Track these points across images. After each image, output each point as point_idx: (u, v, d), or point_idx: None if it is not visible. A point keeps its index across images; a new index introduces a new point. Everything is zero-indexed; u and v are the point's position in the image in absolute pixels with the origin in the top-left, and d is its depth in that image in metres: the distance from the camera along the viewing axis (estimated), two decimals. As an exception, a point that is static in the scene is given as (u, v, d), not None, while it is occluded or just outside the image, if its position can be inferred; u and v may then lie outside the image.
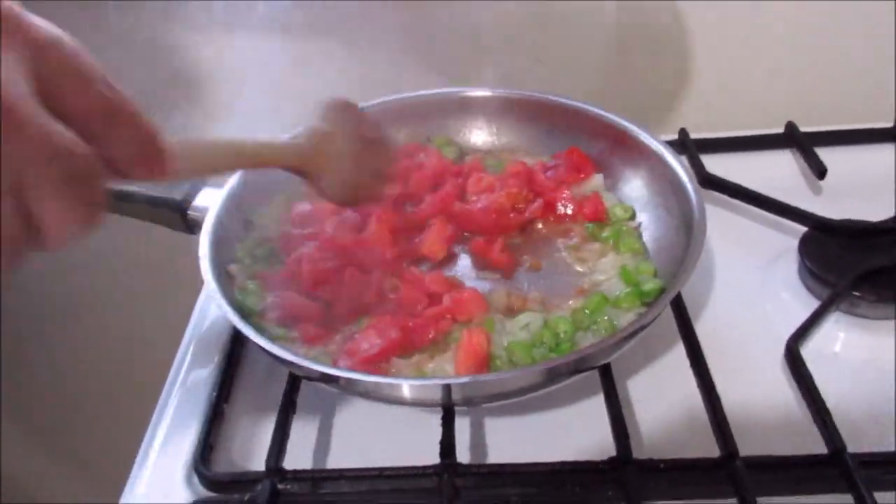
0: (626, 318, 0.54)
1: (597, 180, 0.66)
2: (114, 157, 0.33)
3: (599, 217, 0.64)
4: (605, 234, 0.63)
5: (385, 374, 0.52)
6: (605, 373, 0.52)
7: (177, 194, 0.58)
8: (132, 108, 0.34)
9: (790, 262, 0.64)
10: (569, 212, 0.65)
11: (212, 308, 0.64)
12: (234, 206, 0.60)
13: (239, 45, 0.85)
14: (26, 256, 0.32)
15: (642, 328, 0.50)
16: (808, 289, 0.62)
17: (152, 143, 0.35)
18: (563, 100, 0.70)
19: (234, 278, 0.58)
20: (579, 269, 0.61)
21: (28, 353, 1.07)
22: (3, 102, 0.27)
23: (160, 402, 0.58)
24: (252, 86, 0.88)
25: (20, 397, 1.06)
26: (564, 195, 0.65)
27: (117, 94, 0.33)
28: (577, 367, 0.50)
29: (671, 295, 0.51)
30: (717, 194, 0.69)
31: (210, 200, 0.59)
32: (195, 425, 0.54)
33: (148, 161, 0.35)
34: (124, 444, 0.57)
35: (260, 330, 0.52)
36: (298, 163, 0.52)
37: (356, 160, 0.54)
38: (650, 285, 0.56)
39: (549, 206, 0.65)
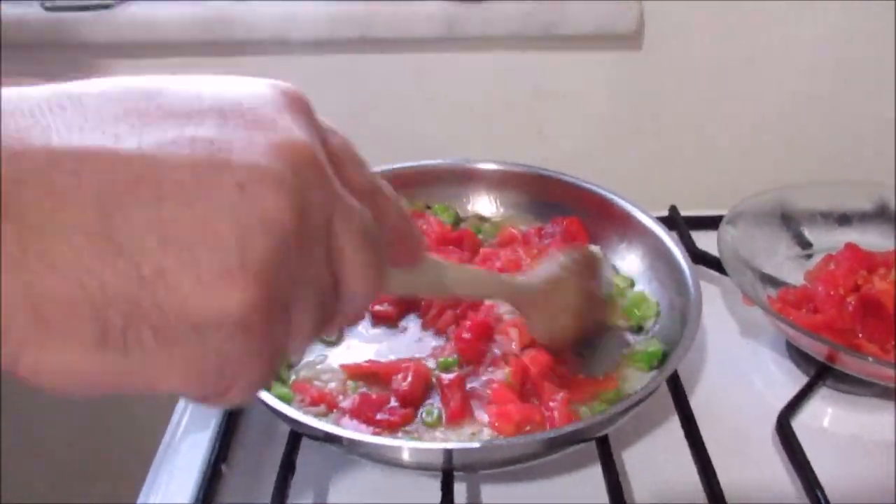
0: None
1: (592, 250, 0.68)
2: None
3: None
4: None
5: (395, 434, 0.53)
6: (603, 444, 0.53)
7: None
8: (392, 193, 0.34)
9: (778, 336, 0.66)
10: None
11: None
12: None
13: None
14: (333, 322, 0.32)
15: (640, 402, 0.52)
16: (795, 363, 0.65)
17: (411, 228, 0.35)
18: (560, 175, 0.73)
19: None
20: None
21: (14, 402, 1.05)
22: (311, 153, 0.27)
23: (156, 460, 0.57)
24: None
25: (3, 451, 1.04)
26: None
27: (380, 181, 0.33)
28: (575, 438, 0.51)
29: (670, 370, 0.53)
30: (705, 268, 0.71)
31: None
32: (192, 486, 0.54)
33: (408, 245, 0.35)
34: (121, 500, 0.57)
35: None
36: (524, 304, 0.55)
37: (576, 314, 0.57)
38: (653, 348, 0.58)
39: None
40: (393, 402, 0.55)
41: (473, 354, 0.58)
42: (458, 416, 0.54)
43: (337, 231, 0.29)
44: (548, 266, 0.57)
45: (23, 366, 0.23)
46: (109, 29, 0.82)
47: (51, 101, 0.24)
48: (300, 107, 0.29)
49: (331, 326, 0.32)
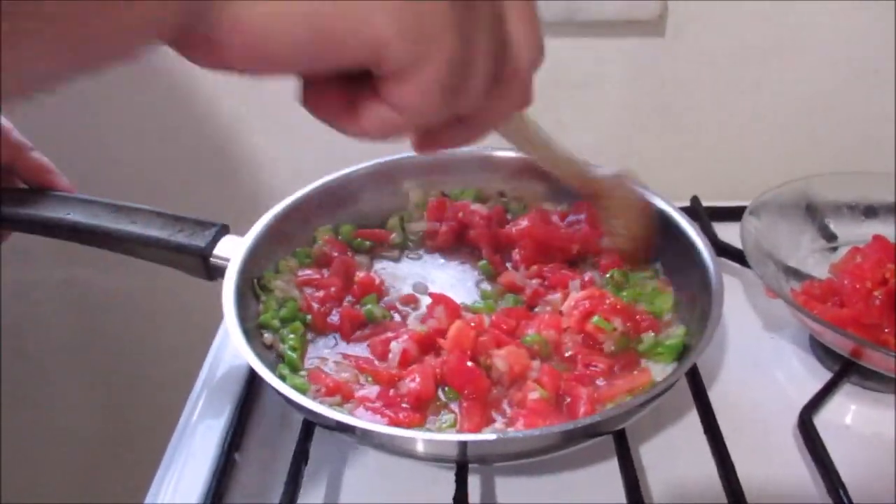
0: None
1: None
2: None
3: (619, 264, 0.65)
4: (624, 292, 0.62)
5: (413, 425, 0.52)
6: (620, 438, 0.52)
7: (199, 241, 0.59)
8: None
9: (801, 330, 0.65)
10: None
11: (225, 355, 0.65)
12: (253, 260, 0.61)
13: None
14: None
15: (658, 396, 0.51)
16: (818, 358, 0.63)
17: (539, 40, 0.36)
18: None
19: (272, 348, 0.59)
20: None
21: (33, 390, 1.06)
22: None
23: (169, 449, 0.57)
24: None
25: (22, 438, 1.05)
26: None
27: None
28: (592, 431, 0.50)
29: (689, 364, 0.52)
30: (727, 260, 0.70)
31: (231, 250, 0.59)
32: (205, 474, 0.54)
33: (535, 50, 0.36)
34: (133, 491, 0.57)
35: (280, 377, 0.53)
36: (603, 193, 0.61)
37: (641, 214, 0.63)
38: (673, 340, 0.57)
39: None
40: (405, 405, 0.54)
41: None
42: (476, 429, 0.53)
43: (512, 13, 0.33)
44: (608, 171, 0.62)
45: (225, 17, 0.25)
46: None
47: None
48: None
49: (497, 95, 0.34)
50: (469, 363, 0.55)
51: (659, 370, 0.56)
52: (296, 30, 0.26)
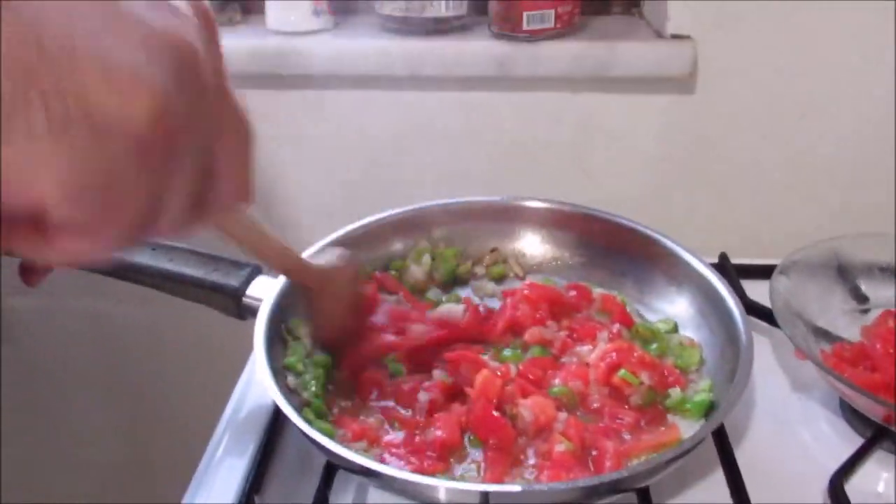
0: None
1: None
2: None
3: (626, 321, 0.64)
4: (652, 347, 0.62)
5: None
6: (644, 496, 0.51)
7: (234, 280, 0.60)
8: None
9: (830, 393, 0.64)
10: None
11: (250, 395, 0.65)
12: (285, 301, 0.61)
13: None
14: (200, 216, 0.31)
15: (684, 454, 0.50)
16: (848, 422, 0.62)
17: (248, 167, 0.35)
18: (608, 215, 0.72)
19: (294, 392, 0.58)
20: None
21: (55, 422, 1.07)
22: (208, 12, 0.30)
23: (191, 488, 0.57)
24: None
25: (45, 468, 1.05)
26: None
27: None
28: (616, 487, 0.49)
29: (716, 423, 0.51)
30: (755, 318, 0.69)
31: (264, 290, 0.60)
32: (225, 515, 0.54)
33: (246, 183, 0.34)
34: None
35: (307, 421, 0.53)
36: (314, 285, 0.58)
37: (350, 304, 0.61)
38: (700, 397, 0.57)
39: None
40: (430, 453, 0.54)
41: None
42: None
43: (225, 113, 0.30)
44: (329, 256, 0.61)
45: None
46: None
47: None
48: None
49: (196, 215, 0.31)
50: (495, 412, 0.55)
51: (686, 426, 0.55)
52: None
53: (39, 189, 0.23)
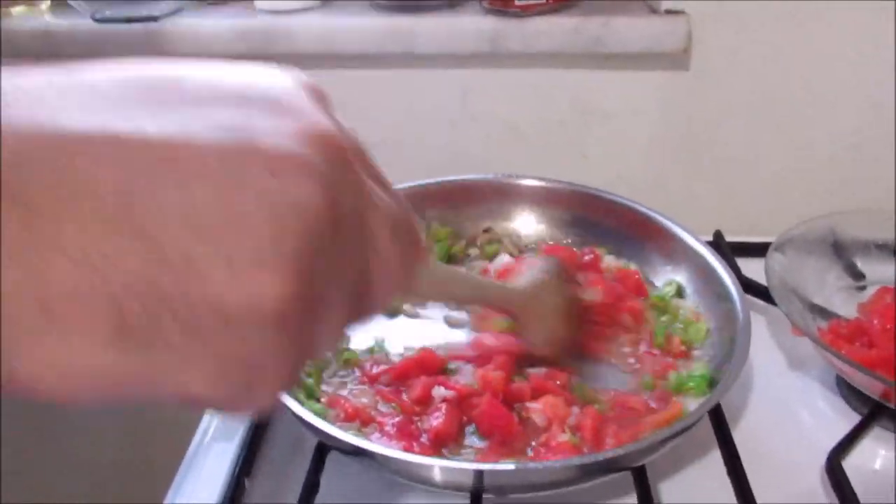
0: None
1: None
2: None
3: (642, 292, 0.65)
4: (663, 318, 0.63)
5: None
6: (640, 475, 0.51)
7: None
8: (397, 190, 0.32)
9: (827, 370, 0.63)
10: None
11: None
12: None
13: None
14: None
15: (679, 433, 0.49)
16: (845, 399, 0.61)
17: (415, 227, 0.33)
18: (604, 193, 0.71)
19: None
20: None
21: (44, 409, 1.06)
22: (339, 141, 0.27)
23: (180, 470, 0.56)
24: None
25: (34, 460, 1.04)
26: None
27: (384, 177, 0.31)
28: (612, 466, 0.49)
29: (712, 402, 0.50)
30: (750, 297, 0.68)
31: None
32: (216, 498, 0.53)
33: (416, 245, 0.33)
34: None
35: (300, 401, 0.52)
36: (517, 310, 0.56)
37: (563, 316, 0.58)
38: (700, 372, 0.57)
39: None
40: (423, 439, 0.53)
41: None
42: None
43: (369, 223, 0.28)
44: (530, 272, 0.58)
45: (23, 366, 0.21)
46: (155, 42, 0.83)
47: (60, 82, 0.23)
48: (322, 97, 0.28)
49: (359, 322, 0.30)
50: (502, 408, 0.54)
51: (692, 403, 0.55)
52: (99, 393, 0.22)
53: (189, 385, 0.23)
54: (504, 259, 0.69)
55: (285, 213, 0.23)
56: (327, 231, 0.25)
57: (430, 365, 0.57)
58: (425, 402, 0.55)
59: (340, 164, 0.26)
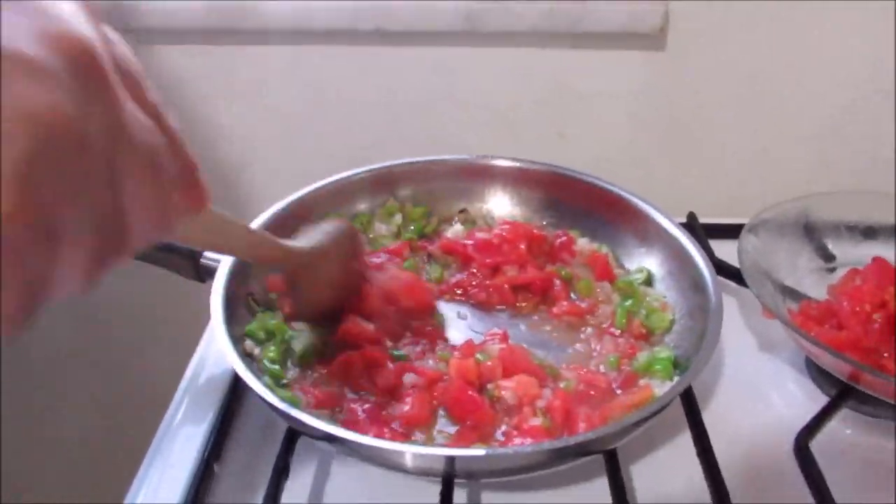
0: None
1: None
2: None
3: (609, 276, 0.65)
4: (627, 303, 0.63)
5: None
6: (611, 458, 0.51)
7: (189, 242, 0.57)
8: (177, 126, 0.30)
9: (797, 352, 0.64)
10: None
11: (209, 362, 0.63)
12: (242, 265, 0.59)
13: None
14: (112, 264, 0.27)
15: (651, 416, 0.49)
16: (815, 381, 0.62)
17: (194, 172, 0.31)
18: (579, 175, 0.71)
19: (252, 357, 0.57)
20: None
21: (28, 392, 1.04)
22: (93, 51, 0.24)
23: (149, 454, 0.56)
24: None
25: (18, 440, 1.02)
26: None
27: (162, 107, 0.29)
28: (583, 450, 0.49)
29: (683, 385, 0.50)
30: (722, 278, 0.69)
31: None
32: (183, 483, 0.52)
33: (190, 190, 0.31)
34: (111, 496, 0.55)
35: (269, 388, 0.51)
36: (292, 269, 0.55)
37: (334, 285, 0.58)
38: (665, 354, 0.57)
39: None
40: (394, 425, 0.52)
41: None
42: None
43: (123, 151, 0.25)
44: (316, 235, 0.57)
45: None
46: (128, 15, 0.80)
47: None
48: (96, 13, 0.26)
49: (112, 260, 0.27)
50: (471, 393, 0.54)
51: (658, 385, 0.55)
52: None
53: None
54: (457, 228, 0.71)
55: (12, 122, 0.21)
56: (64, 148, 0.22)
57: None
58: (395, 389, 0.54)
59: (90, 76, 0.24)
